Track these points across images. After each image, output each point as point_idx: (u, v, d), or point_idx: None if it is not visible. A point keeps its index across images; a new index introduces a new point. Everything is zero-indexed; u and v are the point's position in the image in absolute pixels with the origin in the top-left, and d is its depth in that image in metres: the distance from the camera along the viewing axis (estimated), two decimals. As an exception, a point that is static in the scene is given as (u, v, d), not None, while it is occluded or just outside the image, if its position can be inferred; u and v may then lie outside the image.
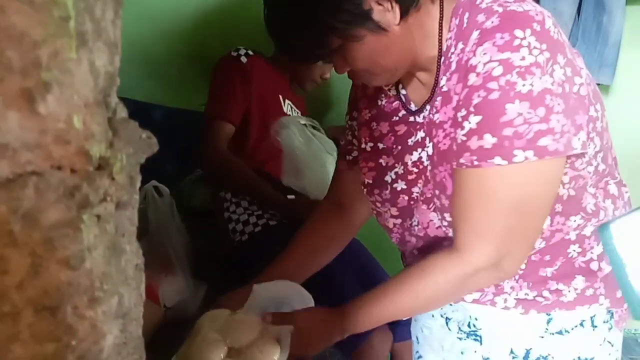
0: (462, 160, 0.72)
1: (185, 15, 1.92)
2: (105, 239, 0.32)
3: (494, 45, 0.68)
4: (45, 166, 0.29)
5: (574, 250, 0.83)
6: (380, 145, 0.89)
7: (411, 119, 0.85)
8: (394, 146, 0.87)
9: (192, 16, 1.93)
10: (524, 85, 0.67)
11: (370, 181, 0.91)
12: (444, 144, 0.77)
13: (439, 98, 0.79)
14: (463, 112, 0.72)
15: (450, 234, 0.81)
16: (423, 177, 0.84)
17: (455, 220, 0.77)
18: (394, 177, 0.87)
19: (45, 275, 0.29)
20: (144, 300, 0.40)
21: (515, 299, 0.85)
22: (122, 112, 0.35)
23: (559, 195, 0.76)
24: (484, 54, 0.69)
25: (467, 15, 0.74)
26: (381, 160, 0.89)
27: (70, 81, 0.29)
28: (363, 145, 0.92)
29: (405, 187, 0.86)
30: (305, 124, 1.64)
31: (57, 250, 0.29)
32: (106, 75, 0.32)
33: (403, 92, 0.87)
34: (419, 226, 0.86)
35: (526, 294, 0.84)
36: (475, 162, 0.70)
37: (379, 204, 0.91)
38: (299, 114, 1.72)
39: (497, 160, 0.69)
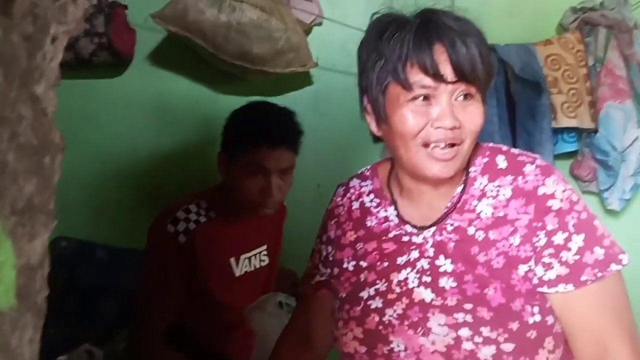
0: (584, 278, 0.77)
1: (140, 158, 1.98)
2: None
3: (558, 177, 0.82)
4: None
5: None
6: (363, 264, 0.90)
7: (405, 238, 0.88)
8: (379, 263, 0.88)
9: (148, 159, 1.99)
10: (587, 206, 0.82)
11: (344, 295, 0.90)
12: (497, 262, 0.80)
13: (449, 220, 0.85)
14: (564, 235, 0.78)
15: (481, 352, 0.76)
16: (404, 298, 0.83)
17: (577, 337, 0.80)
18: (372, 293, 0.86)
19: None
20: None
21: None
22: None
23: (549, 325, 0.80)
24: (557, 183, 0.81)
25: (501, 157, 0.86)
26: (362, 276, 0.89)
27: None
28: (345, 265, 0.92)
29: (380, 305, 0.84)
30: (285, 303, 1.45)
31: None
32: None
33: (394, 213, 0.90)
34: (407, 351, 0.81)
35: None
36: (599, 274, 0.77)
37: (341, 323, 0.88)
38: (263, 255, 1.49)
39: (613, 266, 0.78)
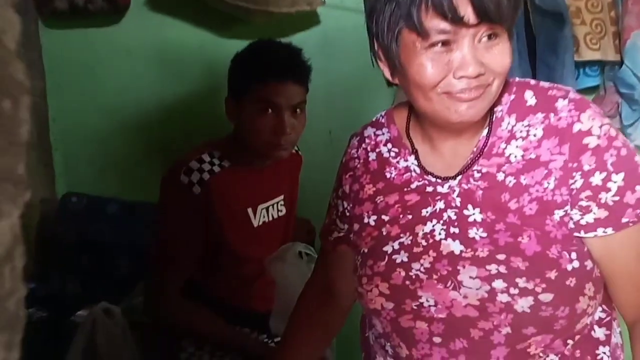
0: (625, 220, 0.73)
1: (145, 109, 1.92)
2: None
3: (595, 112, 0.74)
4: None
5: (604, 354, 0.81)
6: (385, 217, 0.85)
7: (429, 189, 0.82)
8: (402, 216, 0.83)
9: (153, 110, 1.93)
10: (627, 141, 0.75)
11: (366, 250, 0.86)
12: (530, 209, 0.75)
13: (476, 166, 0.79)
14: (602, 175, 0.72)
15: (517, 304, 0.72)
16: (431, 251, 0.79)
17: (617, 283, 0.77)
18: (396, 247, 0.82)
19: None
20: None
21: None
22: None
23: (589, 271, 0.76)
24: (593, 119, 0.73)
25: (530, 93, 0.79)
26: (383, 230, 0.84)
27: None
28: (366, 220, 0.88)
29: (406, 260, 0.80)
30: (305, 253, 1.41)
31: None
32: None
33: (416, 162, 0.84)
34: (438, 306, 0.77)
35: None
36: None
37: (365, 279, 0.84)
38: (280, 205, 1.43)
39: None
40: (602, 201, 0.73)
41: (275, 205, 1.43)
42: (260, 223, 1.38)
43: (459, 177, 0.80)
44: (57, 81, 1.89)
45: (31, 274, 1.67)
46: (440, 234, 0.79)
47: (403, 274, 0.79)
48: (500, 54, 0.72)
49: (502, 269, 0.73)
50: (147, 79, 1.92)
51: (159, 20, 1.90)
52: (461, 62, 0.70)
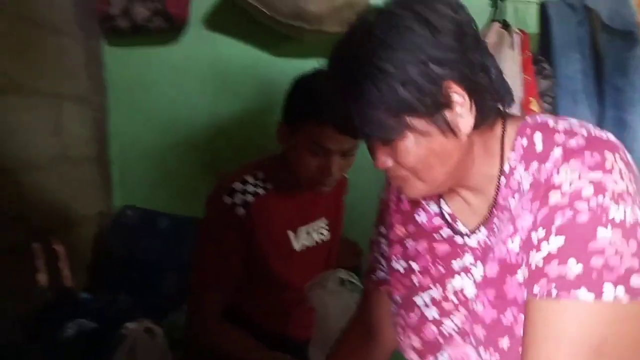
0: (536, 289, 0.62)
1: (198, 126, 1.97)
2: None
3: (583, 164, 0.62)
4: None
5: None
6: (415, 266, 0.81)
7: (458, 239, 0.77)
8: (432, 266, 0.79)
9: (206, 126, 1.97)
10: (617, 211, 0.59)
11: (399, 299, 0.83)
12: (492, 270, 0.70)
13: (495, 220, 0.72)
14: (541, 233, 0.63)
15: None
16: (461, 309, 0.74)
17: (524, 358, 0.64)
18: (427, 300, 0.78)
19: None
20: None
21: None
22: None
23: None
24: (571, 171, 0.62)
25: (539, 135, 0.68)
26: (414, 278, 0.81)
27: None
28: (394, 265, 0.84)
29: (437, 316, 0.76)
30: (348, 280, 1.37)
31: None
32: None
33: (447, 209, 0.80)
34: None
35: None
36: (554, 293, 0.60)
37: (400, 330, 0.81)
38: (323, 229, 1.41)
39: (582, 293, 0.59)
40: (529, 259, 0.64)
41: (317, 229, 1.40)
42: (302, 247, 1.35)
43: (484, 230, 0.74)
44: (117, 97, 1.96)
45: (85, 285, 1.72)
46: (470, 291, 0.74)
47: (435, 330, 0.76)
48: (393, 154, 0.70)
49: (472, 339, 0.72)
50: (200, 96, 1.96)
51: (214, 39, 1.94)
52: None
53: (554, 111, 1.88)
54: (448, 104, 0.64)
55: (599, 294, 0.58)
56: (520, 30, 1.92)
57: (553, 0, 1.92)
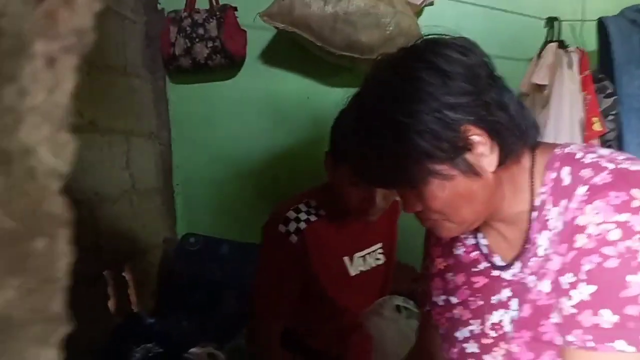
0: (570, 338, 0.62)
1: (256, 157, 2.06)
2: None
3: (609, 204, 0.60)
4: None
5: None
6: (454, 299, 0.80)
7: (494, 273, 0.76)
8: (471, 300, 0.78)
9: (264, 157, 2.05)
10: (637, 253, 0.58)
11: (442, 332, 0.83)
12: (524, 311, 0.69)
13: (533, 258, 0.70)
14: (571, 278, 0.62)
15: None
16: (500, 344, 0.73)
17: None
18: (467, 334, 0.77)
19: None
20: None
21: None
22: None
23: None
24: (596, 213, 0.60)
25: (567, 169, 0.67)
26: (455, 312, 0.80)
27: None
28: (435, 298, 0.84)
29: (477, 350, 0.75)
30: (404, 307, 1.41)
31: None
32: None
33: (484, 242, 0.78)
34: None
35: None
36: (590, 344, 0.59)
37: None
38: (378, 253, 1.43)
39: (620, 345, 0.58)
40: (560, 304, 0.63)
41: (372, 254, 1.40)
42: (357, 272, 1.36)
43: (518, 263, 0.73)
44: (180, 131, 2.07)
45: (151, 310, 1.80)
46: (508, 326, 0.74)
47: None
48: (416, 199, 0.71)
49: None
50: (258, 129, 2.04)
51: (270, 73, 2.02)
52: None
53: (618, 130, 1.80)
54: (468, 146, 0.65)
55: (638, 345, 0.58)
56: (578, 49, 1.87)
57: (612, 17, 1.86)
